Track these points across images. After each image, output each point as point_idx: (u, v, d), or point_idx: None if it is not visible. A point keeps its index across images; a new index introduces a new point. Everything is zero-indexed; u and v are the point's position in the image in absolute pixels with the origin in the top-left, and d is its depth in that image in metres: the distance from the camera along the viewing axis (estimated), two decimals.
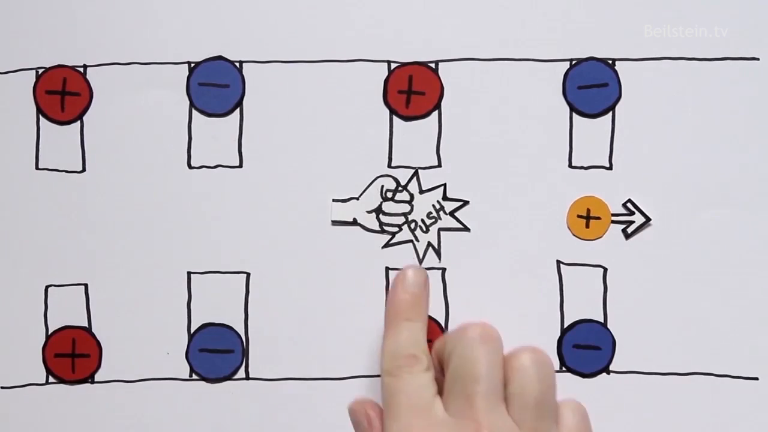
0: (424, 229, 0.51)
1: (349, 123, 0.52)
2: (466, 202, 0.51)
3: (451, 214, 0.50)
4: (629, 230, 0.51)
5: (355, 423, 0.47)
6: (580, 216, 0.51)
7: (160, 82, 0.52)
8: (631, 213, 0.51)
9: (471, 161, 0.52)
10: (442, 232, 0.51)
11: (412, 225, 0.51)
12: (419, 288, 0.48)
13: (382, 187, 0.51)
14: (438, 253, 0.51)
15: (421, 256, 0.51)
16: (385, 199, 0.51)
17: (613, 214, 0.51)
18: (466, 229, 0.51)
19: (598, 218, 0.51)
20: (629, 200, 0.51)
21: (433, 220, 0.51)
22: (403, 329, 0.46)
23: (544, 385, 0.44)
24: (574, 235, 0.51)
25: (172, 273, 0.52)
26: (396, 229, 0.51)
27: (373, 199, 0.51)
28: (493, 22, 0.51)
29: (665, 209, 0.51)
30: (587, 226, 0.51)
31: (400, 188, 0.50)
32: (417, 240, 0.51)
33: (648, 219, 0.51)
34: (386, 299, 0.49)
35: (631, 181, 0.51)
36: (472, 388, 0.43)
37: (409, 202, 0.51)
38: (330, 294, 0.51)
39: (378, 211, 0.51)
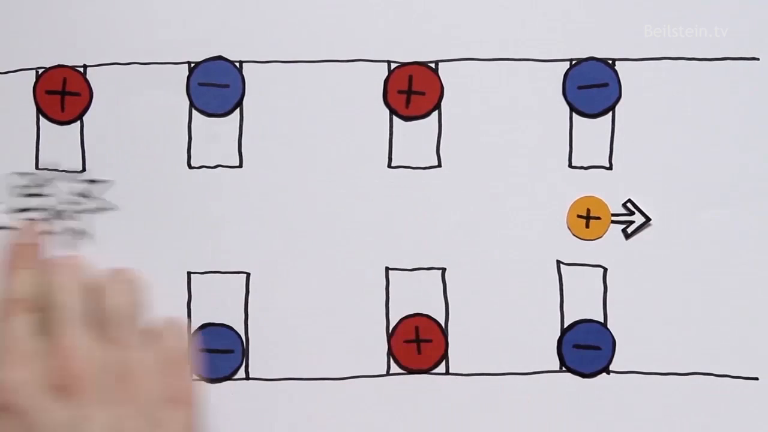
0: (69, 215, 0.51)
1: (349, 123, 0.52)
2: (107, 182, 0.51)
3: (90, 196, 0.51)
4: (629, 230, 0.51)
5: None
6: (580, 216, 0.51)
7: (160, 82, 0.52)
8: (631, 213, 0.51)
9: (471, 161, 0.52)
10: (87, 215, 0.51)
11: (56, 214, 0.51)
12: (27, 239, 0.50)
13: (15, 185, 0.51)
14: (85, 237, 0.51)
15: (71, 242, 0.51)
16: (21, 195, 0.51)
17: (613, 214, 0.51)
18: (110, 208, 0.51)
19: (598, 218, 0.51)
20: (629, 200, 0.51)
21: (75, 205, 0.51)
22: (15, 277, 0.49)
23: (124, 300, 0.48)
24: (574, 235, 0.51)
25: (173, 273, 0.52)
26: (44, 220, 0.51)
27: (9, 199, 0.51)
28: (493, 22, 0.51)
29: (665, 209, 0.51)
30: (587, 226, 0.51)
31: (33, 184, 0.51)
32: (62, 228, 0.51)
33: (648, 219, 0.51)
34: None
35: (631, 181, 0.51)
36: (52, 316, 0.47)
37: (48, 195, 0.51)
38: (330, 294, 0.51)
39: (19, 209, 0.51)
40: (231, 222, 0.52)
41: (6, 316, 0.48)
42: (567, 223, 0.51)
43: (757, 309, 0.51)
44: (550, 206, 0.51)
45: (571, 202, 0.51)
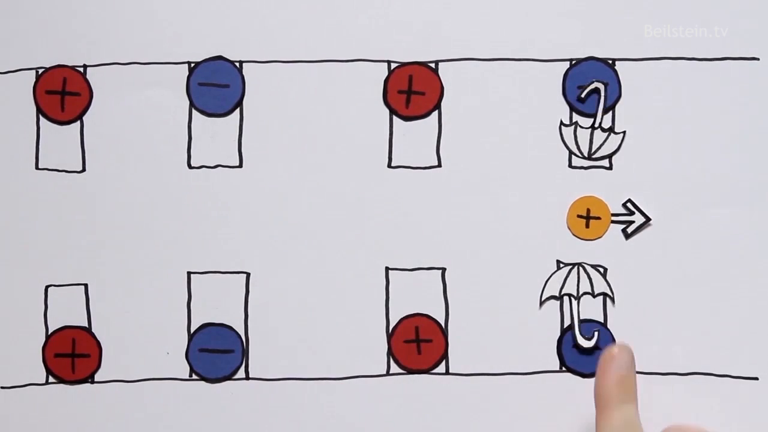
0: None
1: (349, 123, 0.52)
2: None
3: None
4: (629, 230, 0.51)
5: None
6: (580, 216, 0.51)
7: (160, 82, 0.52)
8: (631, 213, 0.51)
9: (471, 161, 0.52)
10: None
11: None
12: (627, 369, 0.47)
13: None
14: None
15: None
16: None
17: (613, 214, 0.51)
18: None
19: (598, 218, 0.51)
20: (629, 200, 0.51)
21: None
22: (614, 411, 0.46)
23: None
24: (574, 235, 0.51)
25: (172, 273, 0.52)
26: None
27: None
28: (493, 22, 0.51)
29: (665, 209, 0.51)
30: (587, 226, 0.51)
31: None
32: None
33: (648, 219, 0.51)
34: (596, 382, 0.47)
35: (631, 181, 0.51)
36: None
37: None
38: (330, 294, 0.52)
39: None
40: (231, 222, 0.52)
41: None
42: (567, 223, 0.51)
43: (757, 309, 0.51)
44: (550, 206, 0.51)
45: (571, 202, 0.51)
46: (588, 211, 0.51)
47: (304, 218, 0.52)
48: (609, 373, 0.47)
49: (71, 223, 0.52)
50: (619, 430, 0.46)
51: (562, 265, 0.51)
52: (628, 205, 0.51)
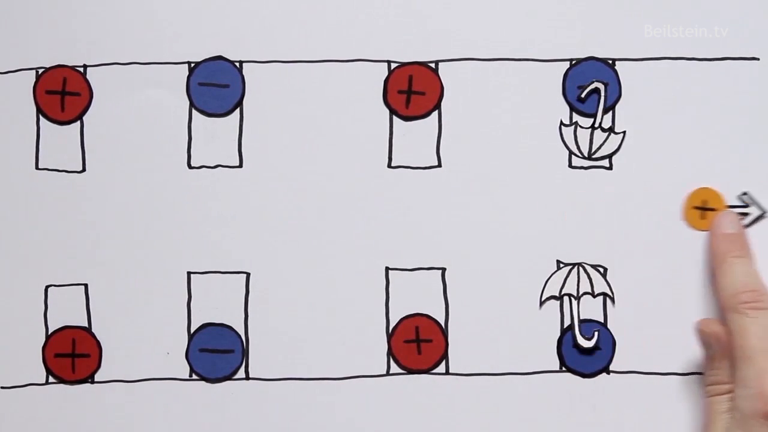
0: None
1: (349, 123, 0.52)
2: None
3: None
4: (744, 223, 0.50)
5: (705, 344, 0.48)
6: (696, 207, 0.50)
7: (160, 82, 0.52)
8: (747, 205, 0.50)
9: (471, 161, 0.52)
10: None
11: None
12: (738, 228, 0.49)
13: None
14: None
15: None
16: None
17: (729, 206, 0.51)
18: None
19: (713, 210, 0.50)
20: (745, 193, 0.50)
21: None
22: (735, 265, 0.47)
23: None
24: (688, 225, 0.51)
25: (172, 273, 0.52)
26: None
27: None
28: (493, 22, 0.51)
29: (664, 208, 0.51)
30: (702, 217, 0.51)
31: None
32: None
33: (765, 212, 0.50)
34: (711, 242, 0.50)
35: (630, 181, 0.51)
36: None
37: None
38: (330, 294, 0.52)
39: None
40: (231, 222, 0.52)
41: (744, 308, 0.45)
42: (683, 214, 0.50)
43: None
44: (550, 206, 0.51)
45: (572, 202, 0.51)
46: (704, 202, 0.51)
47: (304, 218, 0.52)
48: (720, 231, 0.49)
49: (71, 223, 0.52)
50: (739, 280, 0.47)
51: (562, 265, 0.51)
52: (744, 197, 0.51)
